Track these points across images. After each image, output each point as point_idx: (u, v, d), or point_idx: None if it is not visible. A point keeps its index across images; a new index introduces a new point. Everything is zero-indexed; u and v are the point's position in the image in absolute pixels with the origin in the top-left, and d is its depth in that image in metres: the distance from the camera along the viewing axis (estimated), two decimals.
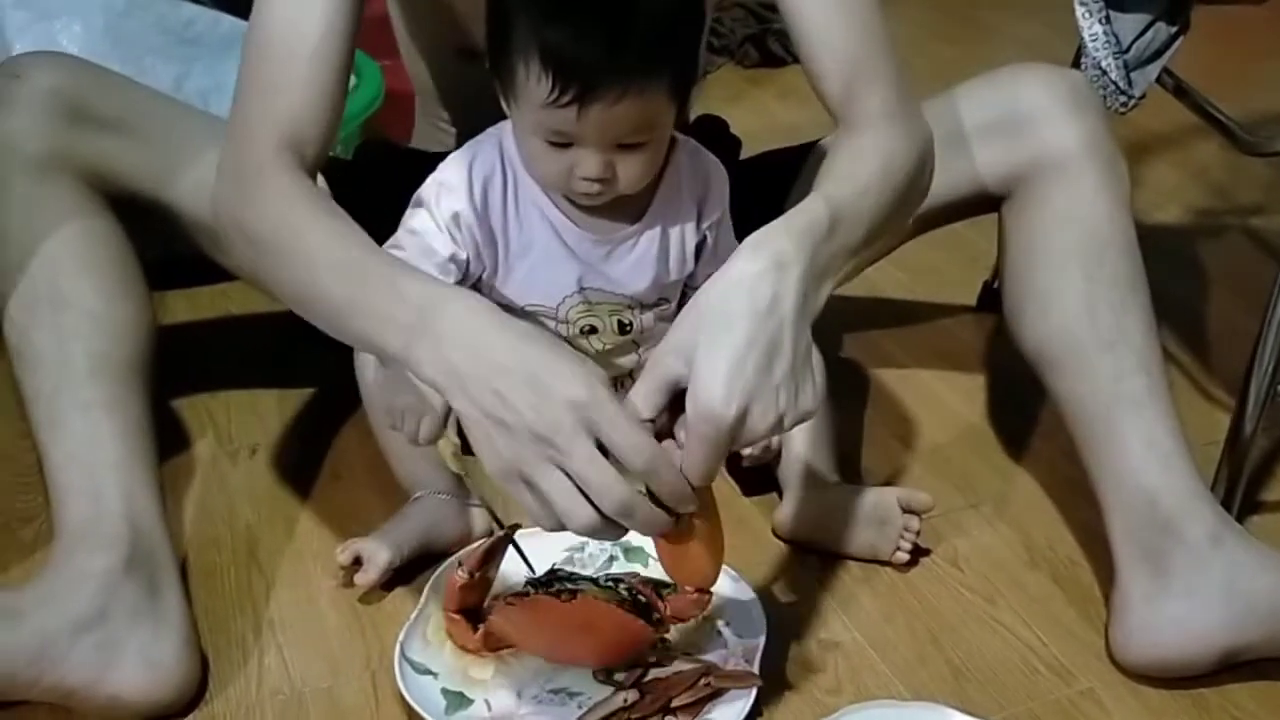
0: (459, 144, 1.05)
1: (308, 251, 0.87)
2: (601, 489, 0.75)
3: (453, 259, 1.01)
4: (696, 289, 1.11)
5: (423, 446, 0.91)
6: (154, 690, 0.90)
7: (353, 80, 1.65)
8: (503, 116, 1.03)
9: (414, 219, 1.02)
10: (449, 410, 0.89)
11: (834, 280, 0.87)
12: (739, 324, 0.79)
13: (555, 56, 0.87)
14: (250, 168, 0.91)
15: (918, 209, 1.00)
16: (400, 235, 1.03)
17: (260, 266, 0.92)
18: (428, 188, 1.03)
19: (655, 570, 1.02)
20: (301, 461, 1.20)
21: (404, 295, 0.82)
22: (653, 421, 0.81)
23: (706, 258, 1.10)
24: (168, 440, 1.09)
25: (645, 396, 0.80)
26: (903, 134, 0.95)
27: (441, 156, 1.06)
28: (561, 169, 0.95)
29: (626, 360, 1.12)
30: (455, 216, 1.01)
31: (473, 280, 1.06)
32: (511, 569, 0.96)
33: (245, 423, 1.25)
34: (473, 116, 1.07)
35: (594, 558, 1.05)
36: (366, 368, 1.10)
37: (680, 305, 1.13)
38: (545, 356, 0.78)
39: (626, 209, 1.02)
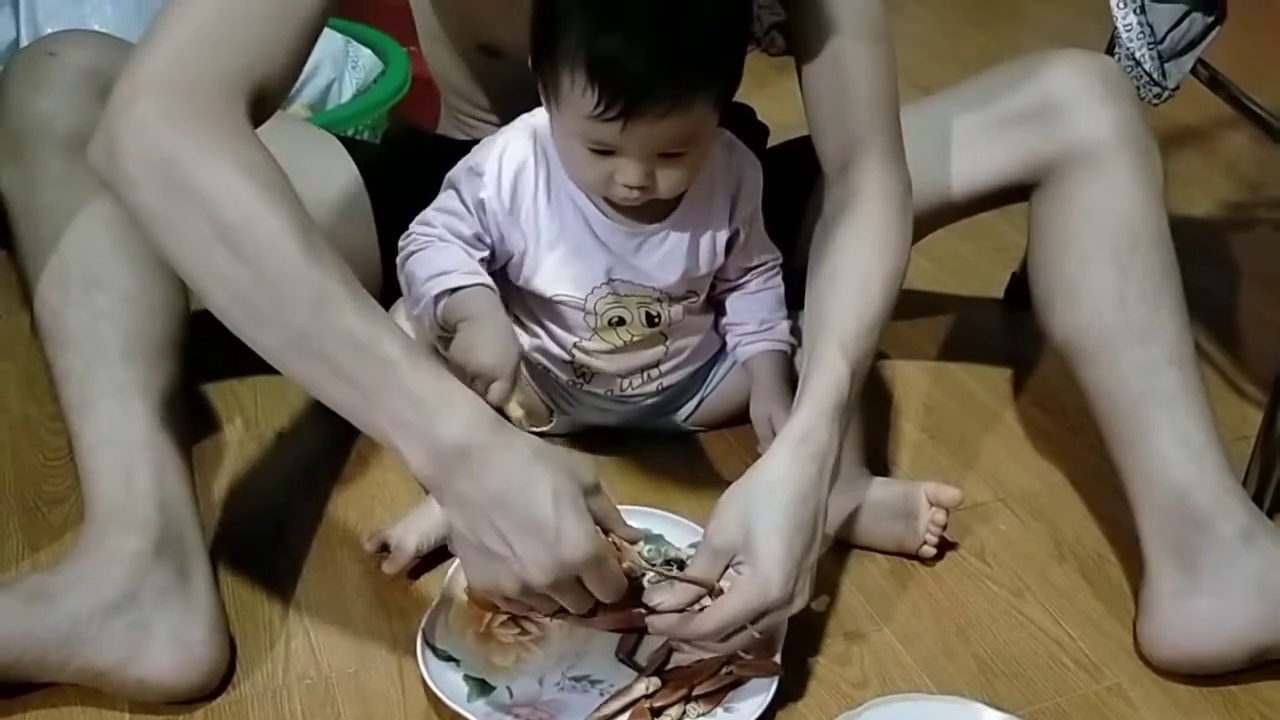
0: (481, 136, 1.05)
1: (271, 256, 0.76)
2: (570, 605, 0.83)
3: (478, 237, 1.02)
4: (727, 280, 1.12)
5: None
6: (182, 673, 0.90)
7: (381, 66, 1.66)
8: (524, 110, 1.03)
9: (444, 199, 1.03)
10: (518, 372, 0.91)
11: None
12: (786, 516, 0.86)
13: (603, 71, 0.86)
14: (203, 104, 0.78)
15: None
16: (429, 213, 1.03)
17: (166, 217, 0.77)
18: (458, 171, 1.03)
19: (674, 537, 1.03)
20: (328, 445, 1.20)
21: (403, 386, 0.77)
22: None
23: (737, 251, 1.09)
24: (195, 424, 1.09)
25: (707, 571, 0.87)
26: (897, 208, 1.00)
27: (469, 144, 1.06)
28: (601, 175, 0.95)
29: (653, 352, 1.11)
30: (481, 203, 1.01)
31: (498, 265, 1.05)
32: None
33: (272, 407, 1.26)
34: (495, 111, 1.06)
35: None
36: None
37: (709, 299, 1.13)
38: (550, 506, 0.78)
39: (659, 203, 1.02)
